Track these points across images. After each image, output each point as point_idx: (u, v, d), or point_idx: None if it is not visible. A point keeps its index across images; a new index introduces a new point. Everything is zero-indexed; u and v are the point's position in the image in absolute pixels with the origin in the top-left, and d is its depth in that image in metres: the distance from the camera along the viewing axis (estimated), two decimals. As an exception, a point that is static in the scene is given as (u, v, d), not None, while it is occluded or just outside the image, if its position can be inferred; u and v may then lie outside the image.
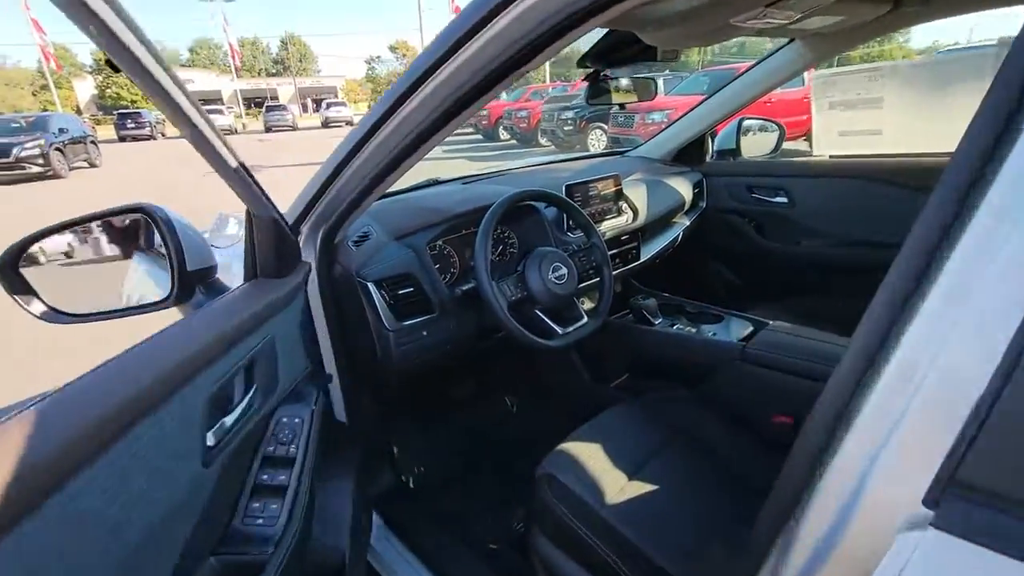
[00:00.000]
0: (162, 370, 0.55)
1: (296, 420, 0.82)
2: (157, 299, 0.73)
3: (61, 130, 11.48)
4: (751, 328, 1.39)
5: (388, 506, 1.34)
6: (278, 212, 0.82)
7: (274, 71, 56.51)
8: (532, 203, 1.35)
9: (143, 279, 0.74)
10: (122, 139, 20.58)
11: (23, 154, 10.23)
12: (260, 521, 0.73)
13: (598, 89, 1.31)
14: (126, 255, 0.79)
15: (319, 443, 0.87)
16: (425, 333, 1.14)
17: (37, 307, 0.72)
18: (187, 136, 0.59)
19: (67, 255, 0.75)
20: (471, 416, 1.73)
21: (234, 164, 0.67)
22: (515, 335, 1.08)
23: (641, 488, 0.93)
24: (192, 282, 0.75)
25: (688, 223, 1.85)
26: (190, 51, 59.83)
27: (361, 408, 1.21)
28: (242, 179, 0.70)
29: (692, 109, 1.89)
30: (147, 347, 0.57)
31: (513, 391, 1.81)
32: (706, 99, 1.83)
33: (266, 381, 0.76)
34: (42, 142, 10.63)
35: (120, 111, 22.57)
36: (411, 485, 1.49)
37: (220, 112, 24.97)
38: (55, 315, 0.73)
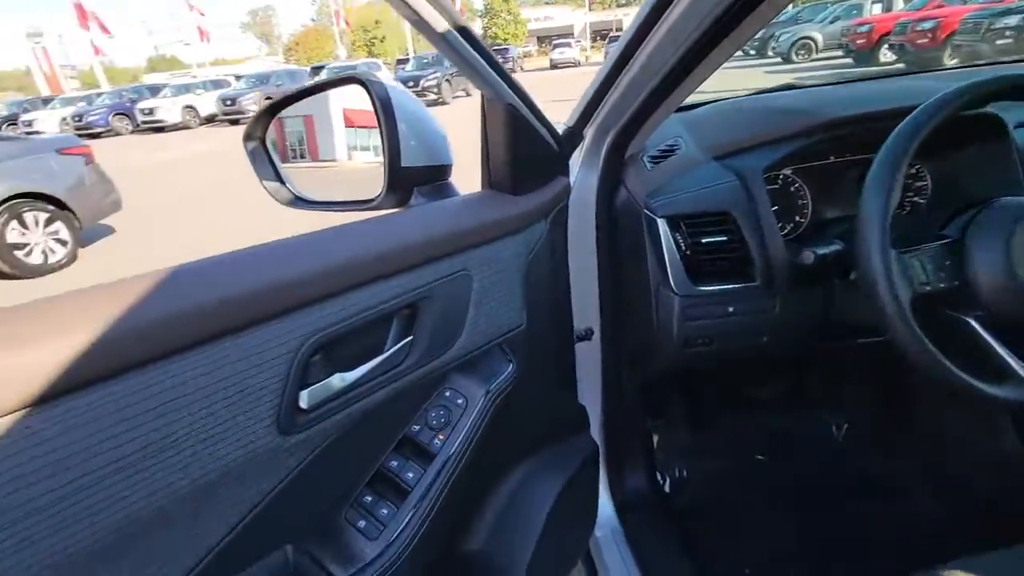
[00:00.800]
0: (243, 289, 0.40)
1: (459, 401, 0.60)
2: (365, 197, 0.58)
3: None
4: None
5: (630, 511, 1.06)
6: (523, 100, 0.56)
7: (624, 1, 56.91)
8: (996, 113, 0.75)
9: (364, 170, 0.61)
10: (492, 72, 24.33)
11: (426, 84, 13.29)
12: (362, 523, 0.55)
13: None
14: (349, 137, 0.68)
15: (496, 436, 0.64)
16: (731, 309, 0.78)
17: (284, 193, 0.68)
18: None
19: (291, 136, 0.67)
20: (769, 425, 1.28)
21: (443, 28, 0.48)
22: (919, 362, 0.58)
23: None
24: (409, 182, 0.58)
25: None
26: (554, -12, 65.55)
27: (621, 381, 0.95)
28: (461, 52, 0.52)
29: None
30: (247, 255, 0.42)
31: (843, 408, 1.26)
32: None
33: (436, 332, 0.56)
34: (439, 75, 13.64)
35: (494, 48, 26.64)
36: (666, 489, 1.18)
37: (569, 46, 26.49)
38: (297, 201, 0.68)
